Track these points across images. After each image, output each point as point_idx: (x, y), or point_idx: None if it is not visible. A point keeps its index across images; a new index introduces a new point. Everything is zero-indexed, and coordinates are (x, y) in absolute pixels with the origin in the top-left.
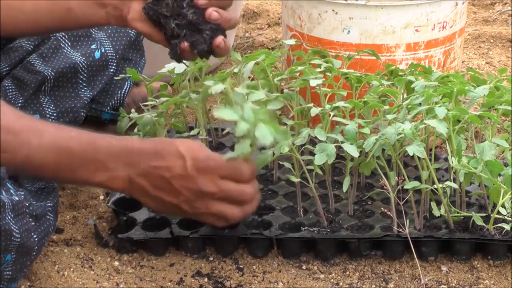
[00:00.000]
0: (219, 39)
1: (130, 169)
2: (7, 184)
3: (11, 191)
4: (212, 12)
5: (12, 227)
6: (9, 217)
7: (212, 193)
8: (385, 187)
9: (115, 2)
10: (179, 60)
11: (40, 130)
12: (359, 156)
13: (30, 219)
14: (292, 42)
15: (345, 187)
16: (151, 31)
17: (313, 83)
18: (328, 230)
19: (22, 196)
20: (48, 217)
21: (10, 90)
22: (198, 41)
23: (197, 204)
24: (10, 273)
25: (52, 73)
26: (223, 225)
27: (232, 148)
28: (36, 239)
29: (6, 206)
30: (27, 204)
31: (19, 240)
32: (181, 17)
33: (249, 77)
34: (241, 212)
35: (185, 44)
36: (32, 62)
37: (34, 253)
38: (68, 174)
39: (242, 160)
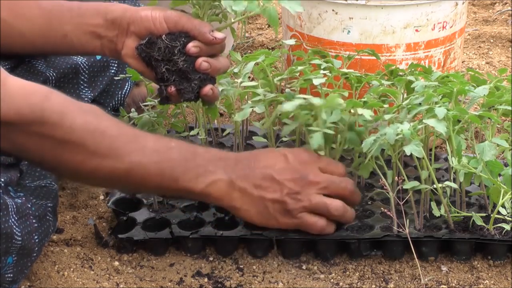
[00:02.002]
0: (207, 88)
1: (229, 173)
2: (8, 188)
3: (11, 193)
4: (202, 63)
5: (14, 230)
6: (13, 220)
7: (315, 182)
8: (385, 187)
9: (110, 36)
10: (163, 102)
11: (140, 138)
12: (358, 157)
13: (34, 220)
14: (292, 42)
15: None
16: (143, 69)
17: (316, 82)
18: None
19: (24, 198)
20: (48, 217)
21: None
22: (186, 90)
23: (300, 196)
24: (11, 275)
25: (54, 74)
26: (323, 227)
27: (231, 148)
28: (36, 240)
29: (10, 209)
30: (29, 206)
31: (20, 242)
32: (171, 63)
33: (249, 77)
34: (342, 206)
35: (172, 89)
36: (34, 63)
37: (35, 254)
38: (171, 183)
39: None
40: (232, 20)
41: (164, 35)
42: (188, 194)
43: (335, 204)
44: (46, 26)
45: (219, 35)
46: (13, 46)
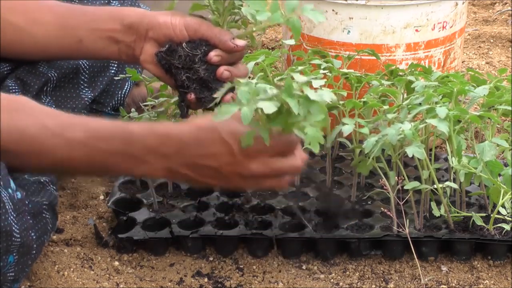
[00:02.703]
0: (228, 97)
1: (170, 161)
2: (9, 181)
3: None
4: (224, 72)
5: (13, 227)
6: (11, 217)
7: (263, 174)
8: (385, 187)
9: (127, 41)
10: (183, 110)
11: (67, 130)
12: (359, 156)
13: (29, 217)
14: (292, 42)
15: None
16: (163, 75)
17: (315, 84)
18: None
19: (24, 193)
20: (44, 215)
21: (13, 91)
22: (207, 99)
23: (248, 184)
24: (13, 274)
25: (55, 74)
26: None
27: None
28: (34, 237)
29: (8, 206)
30: (26, 202)
31: (19, 240)
32: (192, 71)
33: (249, 77)
34: (290, 180)
35: (192, 96)
36: (35, 64)
37: (34, 252)
38: (105, 173)
39: (283, 133)
40: (253, 28)
41: (184, 43)
42: (130, 176)
43: (283, 184)
44: (60, 31)
45: (240, 42)
46: (26, 52)
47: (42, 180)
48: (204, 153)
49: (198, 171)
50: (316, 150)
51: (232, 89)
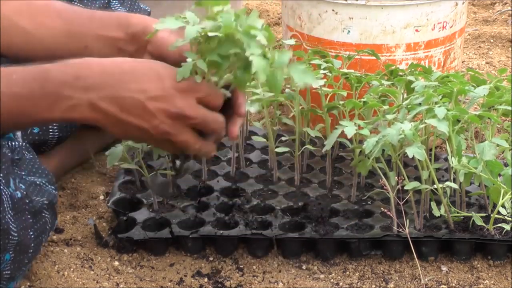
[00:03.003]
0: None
1: (91, 93)
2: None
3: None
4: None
5: (11, 226)
6: (9, 216)
7: (188, 117)
8: (385, 187)
9: (130, 50)
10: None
11: None
12: (358, 156)
13: (29, 216)
14: (292, 42)
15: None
16: None
17: (315, 84)
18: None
19: (24, 192)
20: (44, 214)
21: None
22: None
23: (170, 129)
24: (9, 272)
25: None
26: (175, 153)
27: (231, 148)
28: (32, 236)
29: (6, 205)
30: (27, 201)
31: (16, 238)
32: None
33: None
34: (201, 147)
35: None
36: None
37: (31, 251)
38: (25, 119)
39: (215, 86)
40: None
41: None
42: (51, 122)
43: (193, 146)
44: (67, 36)
45: (234, 134)
46: (32, 54)
47: (38, 182)
48: (133, 86)
49: (122, 105)
50: (277, 91)
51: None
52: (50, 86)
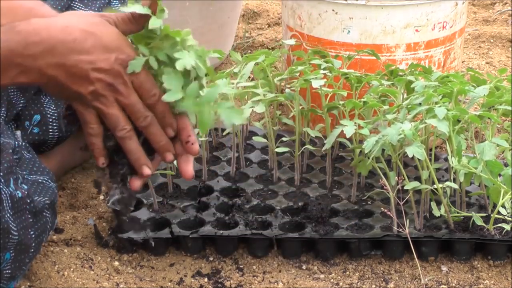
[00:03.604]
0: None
1: (40, 61)
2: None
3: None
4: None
5: (11, 225)
6: (8, 215)
7: (121, 93)
8: (385, 187)
9: None
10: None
11: None
12: (358, 156)
13: (29, 216)
14: (292, 42)
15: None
16: None
17: (315, 84)
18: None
19: (26, 192)
20: (45, 213)
21: (12, 90)
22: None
23: (102, 98)
24: (9, 271)
25: None
26: (89, 140)
27: (231, 148)
28: (33, 236)
29: (5, 204)
30: (28, 201)
31: (17, 237)
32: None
33: (249, 77)
34: (129, 132)
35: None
36: None
37: (32, 250)
38: None
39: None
40: None
41: None
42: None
43: (123, 126)
44: None
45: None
46: None
47: (40, 180)
48: (82, 56)
49: (68, 73)
50: (204, 129)
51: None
52: None
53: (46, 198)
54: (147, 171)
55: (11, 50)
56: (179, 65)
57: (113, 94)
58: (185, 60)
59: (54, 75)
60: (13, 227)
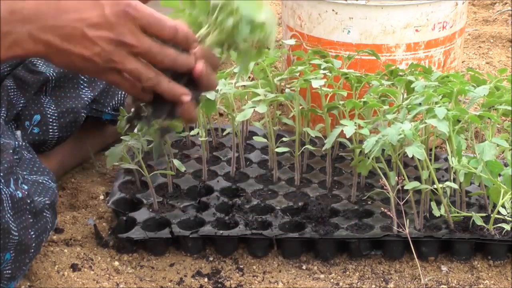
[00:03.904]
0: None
1: (29, 25)
2: (10, 180)
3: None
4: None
5: (11, 225)
6: (9, 215)
7: (130, 45)
8: (385, 187)
9: None
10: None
11: None
12: (358, 156)
13: (29, 216)
14: (292, 42)
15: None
16: None
17: (315, 84)
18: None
19: (26, 193)
20: (45, 214)
21: (12, 90)
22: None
23: (113, 57)
24: (9, 271)
25: (54, 74)
26: (129, 90)
27: (231, 148)
28: (33, 236)
29: (5, 204)
30: (28, 201)
31: (17, 238)
32: None
33: (249, 77)
34: (154, 73)
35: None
36: (34, 62)
37: (32, 251)
38: None
39: (169, 18)
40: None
41: None
42: None
43: (147, 73)
44: None
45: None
46: None
47: (40, 180)
48: (71, 16)
49: (61, 34)
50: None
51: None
52: None
53: (46, 198)
54: (186, 98)
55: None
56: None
57: (122, 49)
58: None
59: (47, 40)
60: (13, 228)
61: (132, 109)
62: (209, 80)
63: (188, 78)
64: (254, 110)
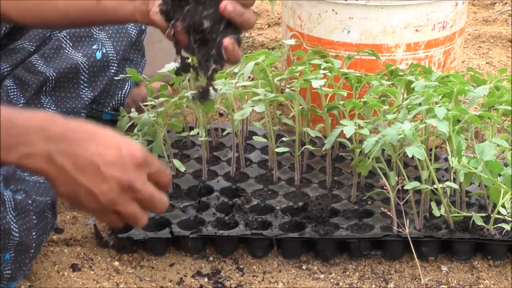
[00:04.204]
0: (228, 40)
1: (51, 145)
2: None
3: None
4: (227, 5)
5: (12, 226)
6: (10, 216)
7: (138, 190)
8: (385, 187)
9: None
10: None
11: None
12: (358, 156)
13: (34, 217)
14: (292, 42)
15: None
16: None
17: (315, 84)
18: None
19: (24, 195)
20: (47, 214)
21: (12, 90)
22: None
23: (117, 198)
24: (9, 271)
25: (54, 74)
26: (118, 226)
27: (231, 148)
28: (34, 236)
29: (8, 205)
30: (30, 201)
31: (17, 238)
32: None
33: (249, 77)
34: (145, 219)
35: (178, 27)
36: (34, 63)
37: (32, 251)
38: None
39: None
40: None
41: None
42: (5, 163)
43: (141, 220)
44: None
45: None
46: (45, 19)
47: (42, 181)
48: (93, 148)
49: (77, 163)
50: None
51: (234, 32)
52: (15, 130)
53: (48, 198)
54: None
55: (27, 128)
56: None
57: (128, 193)
58: None
59: (61, 163)
60: (14, 228)
61: (178, 61)
62: (243, 22)
63: (227, 22)
64: (253, 109)
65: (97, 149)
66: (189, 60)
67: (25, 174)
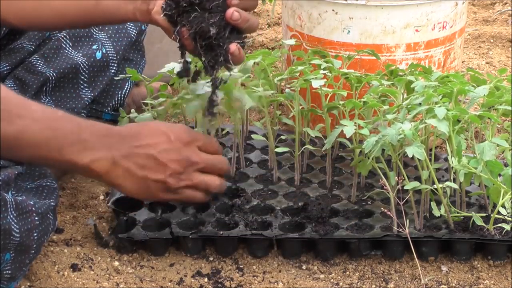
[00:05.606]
0: (233, 46)
1: (113, 151)
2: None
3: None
4: (234, 13)
5: (13, 226)
6: (11, 216)
7: (196, 163)
8: (385, 187)
9: (138, 2)
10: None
11: (29, 104)
12: (358, 156)
13: (36, 218)
14: (292, 42)
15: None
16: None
17: (315, 84)
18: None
19: (24, 197)
20: (49, 215)
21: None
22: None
23: (182, 176)
24: (9, 272)
25: (54, 74)
26: (202, 199)
27: (231, 148)
28: (36, 237)
29: (9, 205)
30: (31, 203)
31: (18, 239)
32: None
33: (249, 77)
34: (218, 180)
35: (184, 31)
36: (34, 63)
37: (33, 251)
38: (56, 154)
39: (210, 136)
40: None
41: None
42: (72, 167)
43: (214, 182)
44: None
45: None
46: (43, 21)
47: (44, 184)
48: (144, 143)
49: (138, 161)
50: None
51: (238, 37)
52: (84, 134)
53: (51, 200)
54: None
55: (95, 132)
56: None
57: (189, 167)
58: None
59: (127, 167)
60: (15, 229)
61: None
62: (248, 27)
63: (231, 28)
64: (252, 109)
65: (150, 142)
66: (192, 65)
67: (27, 183)
